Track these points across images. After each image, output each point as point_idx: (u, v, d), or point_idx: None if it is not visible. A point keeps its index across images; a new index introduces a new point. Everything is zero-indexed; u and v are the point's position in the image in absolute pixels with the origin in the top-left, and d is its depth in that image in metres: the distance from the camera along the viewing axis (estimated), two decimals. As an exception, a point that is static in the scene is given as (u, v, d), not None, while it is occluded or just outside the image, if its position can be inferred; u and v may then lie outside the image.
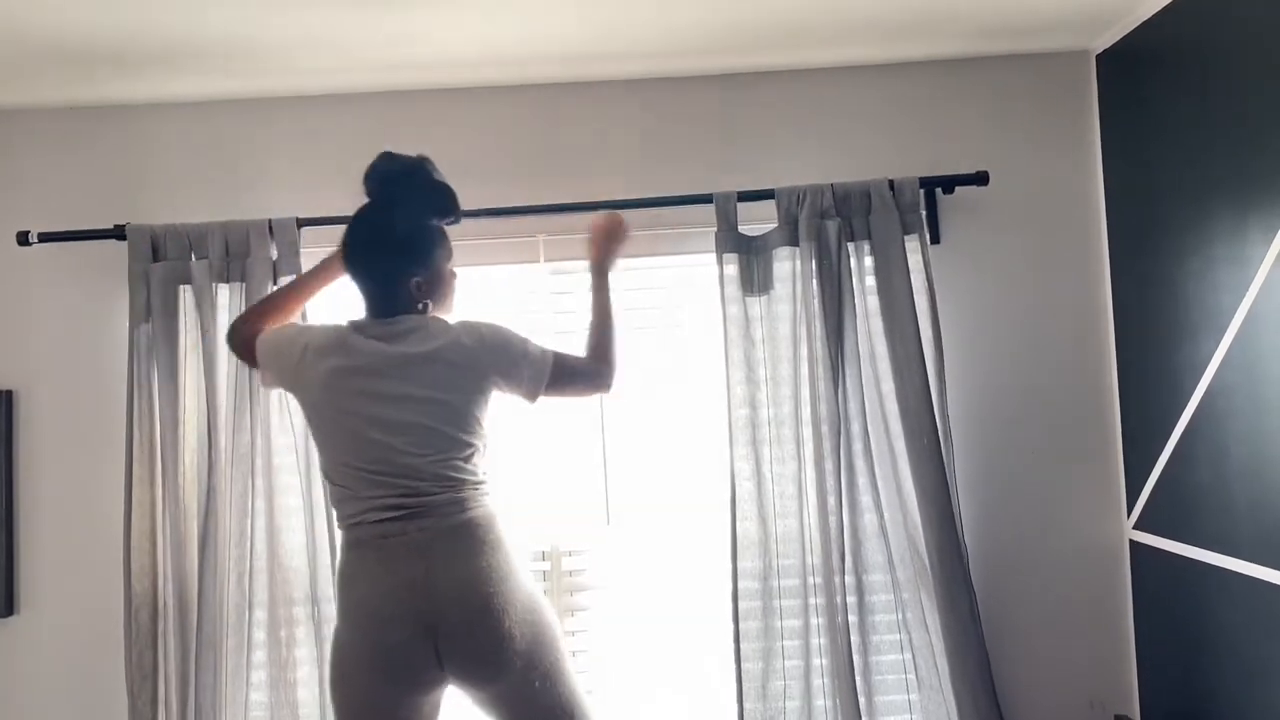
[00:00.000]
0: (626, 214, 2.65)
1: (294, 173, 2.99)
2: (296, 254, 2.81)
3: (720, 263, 2.81)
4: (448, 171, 2.95)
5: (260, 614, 2.78)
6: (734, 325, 2.80)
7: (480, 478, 2.27)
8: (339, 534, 2.28)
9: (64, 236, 2.85)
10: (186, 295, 2.83)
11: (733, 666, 2.76)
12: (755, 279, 2.83)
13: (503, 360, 2.30)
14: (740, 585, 2.77)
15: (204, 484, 2.78)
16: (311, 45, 2.68)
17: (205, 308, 2.79)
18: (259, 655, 2.78)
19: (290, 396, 2.61)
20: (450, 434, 2.22)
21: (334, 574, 2.25)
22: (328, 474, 2.30)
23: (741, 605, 2.76)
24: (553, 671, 2.22)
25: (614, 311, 2.51)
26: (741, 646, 2.75)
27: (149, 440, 2.78)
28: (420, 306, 2.30)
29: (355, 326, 2.28)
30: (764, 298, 2.83)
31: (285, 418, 2.79)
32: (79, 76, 2.81)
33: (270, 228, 2.82)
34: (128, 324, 2.81)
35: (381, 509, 2.18)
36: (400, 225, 2.30)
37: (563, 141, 3.01)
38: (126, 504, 2.75)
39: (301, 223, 2.83)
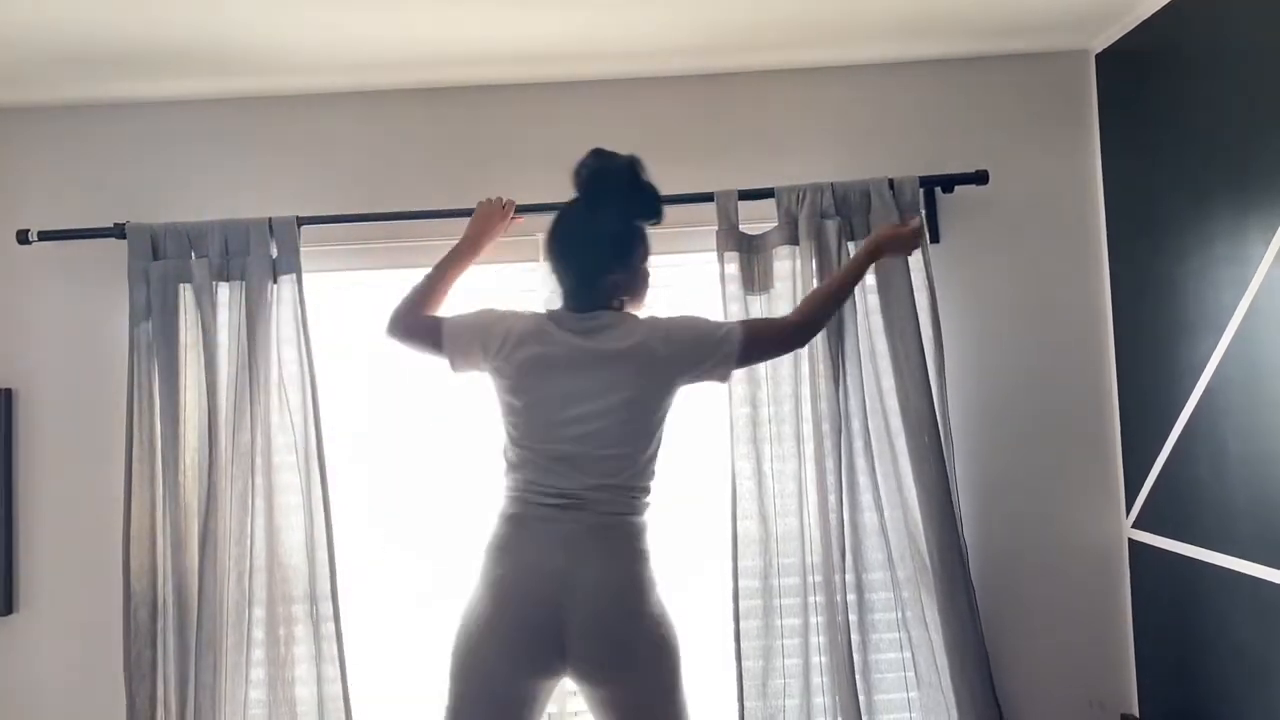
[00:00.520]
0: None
1: (294, 171, 2.99)
2: (296, 252, 2.81)
3: (721, 261, 2.81)
4: (445, 169, 2.99)
5: (259, 612, 2.78)
6: None
7: (648, 484, 2.33)
8: (500, 504, 2.33)
9: (64, 235, 2.85)
10: (186, 294, 2.82)
11: (733, 665, 2.75)
12: (756, 277, 2.83)
13: (694, 356, 2.35)
14: (740, 584, 2.76)
15: (204, 482, 2.78)
16: (311, 44, 2.69)
17: (205, 306, 2.79)
18: (258, 653, 2.78)
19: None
20: (633, 432, 2.29)
21: (486, 546, 2.30)
22: (506, 454, 2.34)
23: (742, 604, 2.76)
24: (669, 688, 2.26)
25: (846, 290, 2.59)
26: (741, 645, 2.75)
27: (149, 439, 2.78)
28: (616, 303, 2.36)
29: (553, 318, 2.35)
30: (764, 296, 2.83)
31: (285, 416, 2.79)
32: (79, 75, 2.81)
33: (270, 226, 2.81)
34: (127, 322, 2.81)
35: (546, 494, 2.25)
36: (609, 224, 2.36)
37: (561, 140, 2.99)
38: (126, 502, 2.75)
39: (301, 221, 2.83)
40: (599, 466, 2.25)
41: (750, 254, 2.83)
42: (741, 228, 2.83)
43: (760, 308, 2.82)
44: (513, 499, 2.29)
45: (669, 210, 2.84)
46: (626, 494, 2.28)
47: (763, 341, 2.46)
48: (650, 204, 2.40)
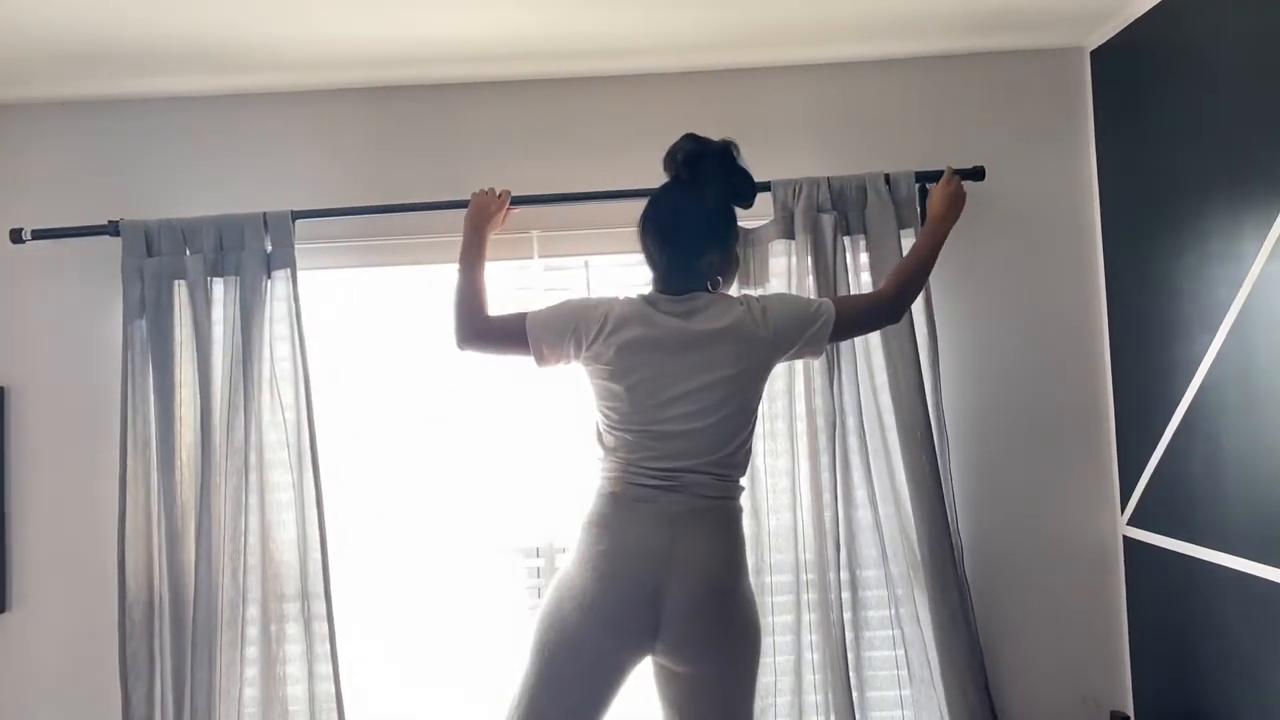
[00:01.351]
0: (621, 207, 2.66)
1: (288, 167, 2.99)
2: (291, 247, 2.81)
3: None
4: (440, 166, 2.98)
5: (253, 610, 2.78)
6: None
7: (743, 466, 2.37)
8: (598, 482, 2.35)
9: (58, 233, 2.84)
10: (181, 290, 2.82)
11: None
12: (752, 272, 2.83)
13: (791, 333, 2.38)
14: None
15: (198, 479, 2.78)
16: (306, 40, 2.68)
17: (199, 302, 2.79)
18: (252, 651, 2.78)
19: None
20: (731, 412, 2.32)
21: (585, 523, 2.32)
22: (603, 436, 2.36)
23: None
24: (746, 674, 2.34)
25: (933, 258, 2.60)
26: None
27: (143, 436, 2.78)
28: (710, 284, 2.39)
29: (650, 300, 2.37)
30: (759, 290, 2.83)
31: (278, 413, 2.79)
32: (72, 72, 2.80)
33: (265, 221, 2.81)
34: (121, 319, 2.81)
35: (646, 474, 2.27)
36: (707, 206, 2.39)
37: (556, 137, 3.01)
38: (121, 500, 2.75)
39: (296, 215, 2.83)
40: (699, 447, 2.28)
41: (747, 248, 2.83)
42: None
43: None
44: (612, 479, 2.31)
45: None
46: (724, 476, 2.32)
47: (856, 317, 2.51)
48: (746, 187, 2.45)
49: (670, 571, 2.22)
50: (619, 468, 2.31)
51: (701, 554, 2.25)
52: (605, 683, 2.28)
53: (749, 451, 2.39)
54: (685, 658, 2.26)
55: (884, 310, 2.54)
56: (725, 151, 2.41)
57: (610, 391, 2.33)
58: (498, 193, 2.74)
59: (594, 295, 2.45)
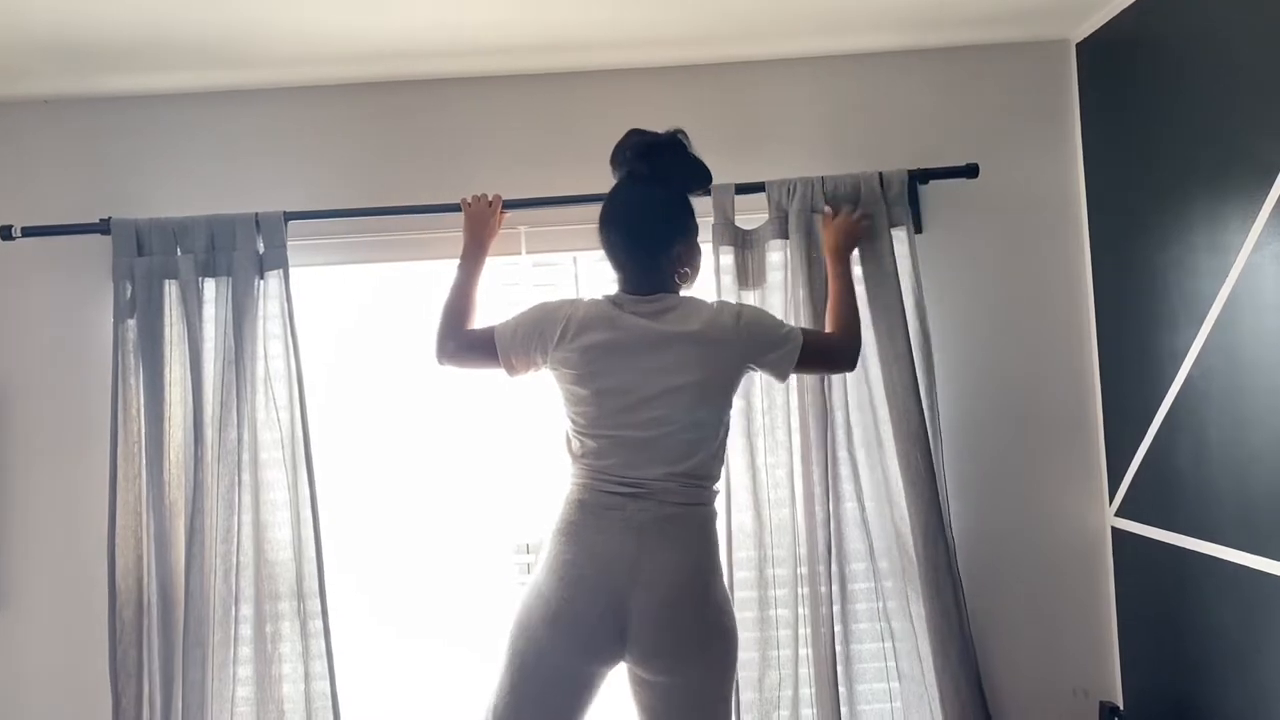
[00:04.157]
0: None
1: (281, 165, 2.98)
2: (283, 247, 2.80)
3: (716, 254, 2.81)
4: (430, 162, 2.98)
5: (246, 610, 2.77)
6: None
7: (715, 473, 2.33)
8: (567, 488, 2.32)
9: (47, 231, 2.82)
10: (172, 290, 2.81)
11: None
12: (751, 271, 2.84)
13: (761, 344, 2.36)
14: (736, 576, 2.77)
15: (190, 480, 2.77)
16: (297, 36, 2.68)
17: (191, 302, 2.78)
18: (245, 651, 2.77)
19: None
20: (700, 416, 2.29)
21: (556, 530, 2.30)
22: (571, 440, 2.34)
23: (738, 595, 2.76)
24: (720, 682, 2.29)
25: (852, 294, 2.63)
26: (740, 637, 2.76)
27: (134, 436, 2.77)
28: (678, 277, 2.37)
29: (617, 302, 2.33)
30: (758, 291, 2.84)
31: (272, 412, 2.78)
32: (63, 68, 2.79)
33: (257, 221, 2.81)
34: (112, 318, 2.80)
35: (613, 481, 2.24)
36: (668, 196, 2.38)
37: (546, 133, 3.02)
38: (111, 500, 2.74)
39: (289, 216, 2.82)
40: (667, 454, 2.25)
41: (745, 248, 2.84)
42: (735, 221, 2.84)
43: (755, 301, 2.82)
44: (581, 485, 2.29)
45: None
46: (694, 483, 2.28)
47: (822, 351, 2.52)
48: (703, 174, 2.43)
49: (637, 581, 2.19)
50: (587, 474, 2.28)
51: (669, 563, 2.21)
52: (577, 692, 2.26)
53: (721, 459, 2.36)
54: (656, 667, 2.23)
55: (839, 354, 2.56)
56: (677, 141, 2.39)
57: (577, 396, 2.30)
58: (489, 199, 2.72)
59: (559, 298, 2.41)
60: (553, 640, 2.21)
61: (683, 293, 2.39)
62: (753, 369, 2.40)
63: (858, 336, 2.58)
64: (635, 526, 2.21)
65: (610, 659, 2.25)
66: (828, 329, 2.59)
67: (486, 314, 2.53)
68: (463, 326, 2.49)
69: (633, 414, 2.25)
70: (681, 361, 2.26)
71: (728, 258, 2.82)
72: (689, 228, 2.40)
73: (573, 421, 2.33)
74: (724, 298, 2.79)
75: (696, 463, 2.27)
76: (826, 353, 2.54)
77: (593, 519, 2.24)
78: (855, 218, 2.73)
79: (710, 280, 2.81)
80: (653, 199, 2.36)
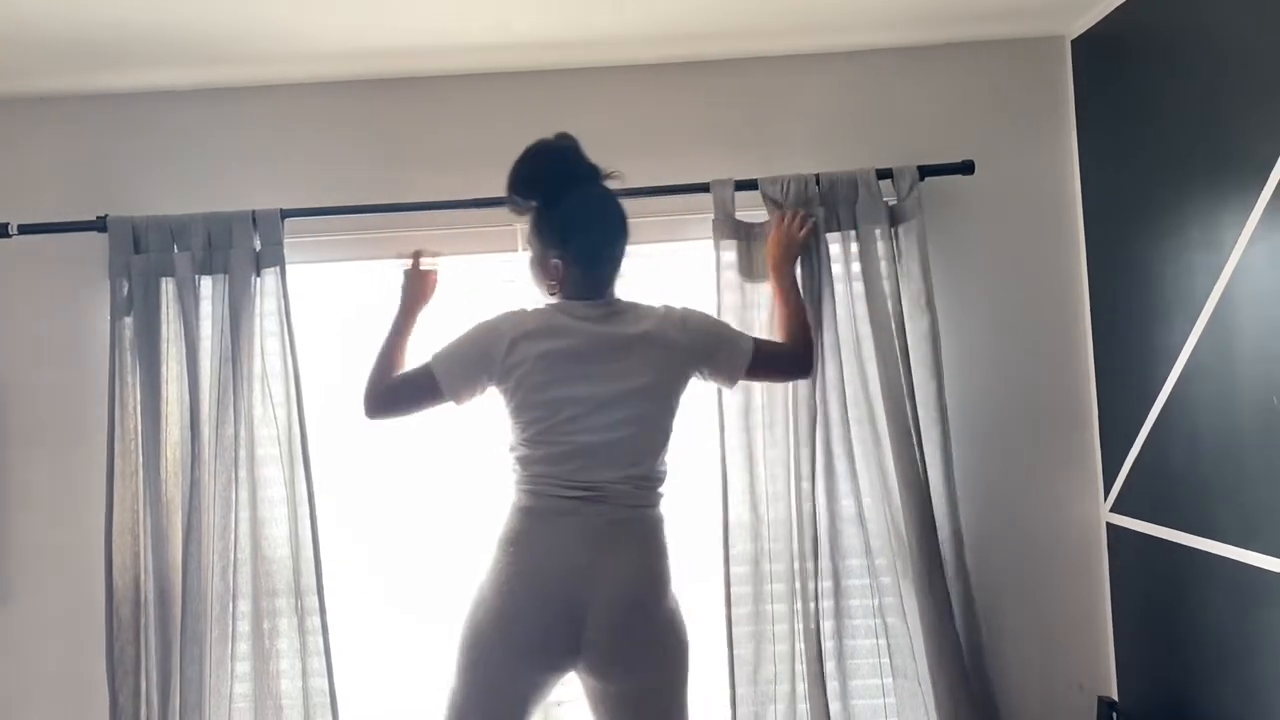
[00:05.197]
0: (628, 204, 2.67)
1: (278, 163, 2.98)
2: (280, 245, 2.80)
3: (717, 249, 2.82)
4: (425, 160, 2.99)
5: (244, 606, 2.77)
6: (730, 312, 2.80)
7: (663, 475, 2.32)
8: (514, 496, 2.30)
9: (44, 228, 2.82)
10: (168, 287, 2.81)
11: (725, 651, 2.77)
12: (754, 265, 2.84)
13: (710, 345, 2.37)
14: (733, 571, 2.78)
15: (187, 477, 2.77)
16: (294, 34, 2.68)
17: (188, 300, 2.78)
18: (243, 647, 2.78)
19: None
20: (651, 418, 2.29)
21: (502, 539, 2.27)
22: (519, 446, 2.29)
23: (735, 590, 2.78)
24: (677, 687, 2.28)
25: (801, 312, 2.62)
26: (734, 631, 2.78)
27: (131, 434, 2.78)
28: (617, 279, 2.36)
29: (563, 308, 2.31)
30: (762, 284, 2.83)
31: (269, 409, 2.79)
32: (59, 66, 2.79)
33: (254, 219, 2.81)
34: (109, 316, 2.80)
35: (568, 486, 2.22)
36: (601, 195, 2.36)
37: (545, 130, 2.98)
38: (108, 498, 2.75)
39: (286, 214, 2.83)
40: (621, 457, 2.24)
41: (748, 242, 2.83)
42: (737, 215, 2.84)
43: (757, 295, 2.83)
44: (531, 493, 2.26)
45: (665, 201, 2.87)
46: (646, 486, 2.28)
47: (774, 358, 2.52)
48: (599, 170, 2.38)
49: (593, 587, 2.18)
50: (538, 482, 2.25)
51: (626, 567, 2.21)
52: (529, 701, 2.25)
53: (667, 462, 2.34)
54: (612, 674, 2.22)
55: (796, 361, 2.55)
56: (576, 145, 2.37)
57: (530, 404, 2.26)
58: (425, 265, 2.63)
59: (498, 314, 2.35)
60: (505, 653, 2.20)
61: (550, 299, 2.36)
62: (702, 373, 2.38)
63: (810, 345, 2.58)
64: (590, 531, 2.20)
65: (563, 668, 2.24)
66: (781, 340, 2.59)
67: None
68: (389, 376, 2.43)
69: (590, 418, 2.24)
70: (634, 364, 2.27)
71: (729, 253, 2.82)
72: (628, 222, 2.38)
73: (522, 429, 2.29)
74: (723, 292, 2.81)
75: (650, 465, 2.28)
76: (777, 360, 2.54)
77: (544, 526, 2.23)
78: (797, 224, 2.69)
79: (710, 275, 2.82)
80: (609, 200, 2.36)
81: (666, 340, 2.30)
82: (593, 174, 2.36)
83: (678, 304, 2.40)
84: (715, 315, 2.50)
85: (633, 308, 2.34)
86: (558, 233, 2.33)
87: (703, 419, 2.87)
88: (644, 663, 2.23)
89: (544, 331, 2.28)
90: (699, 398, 2.78)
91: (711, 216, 2.83)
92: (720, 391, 2.76)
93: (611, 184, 2.38)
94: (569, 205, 2.33)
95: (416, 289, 2.60)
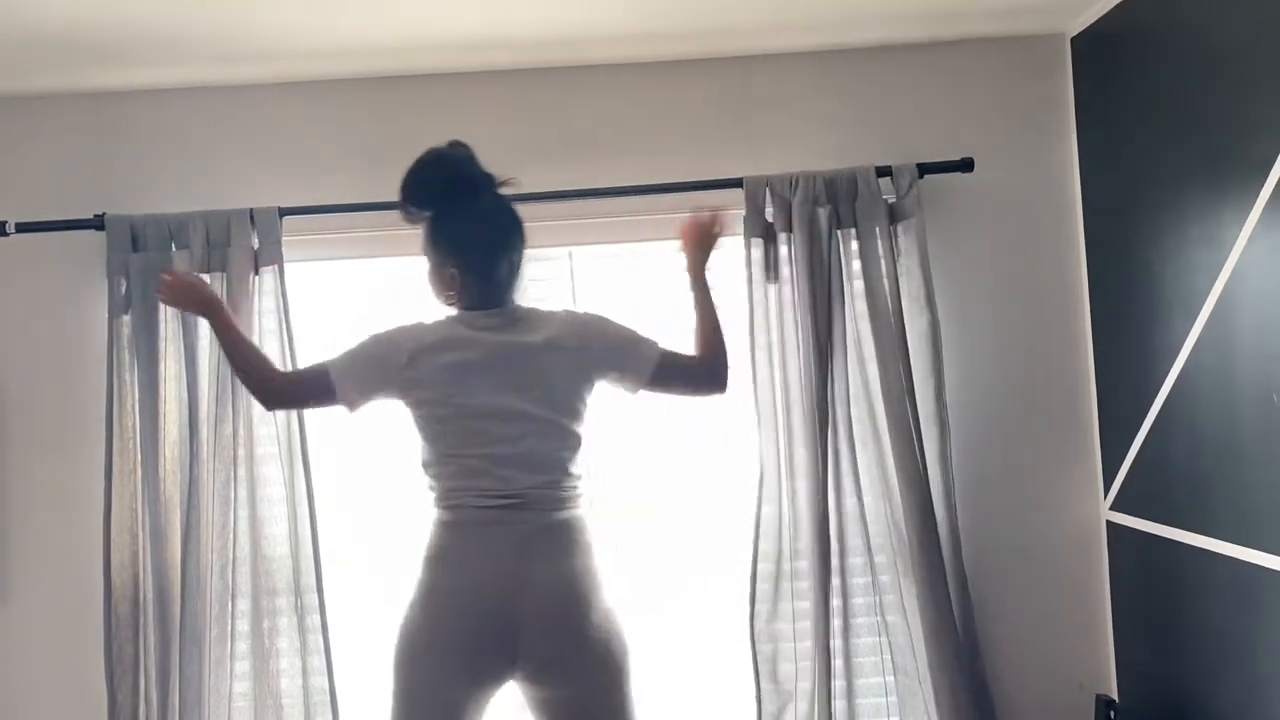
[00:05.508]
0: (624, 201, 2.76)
1: (276, 161, 2.98)
2: (278, 243, 2.80)
3: (748, 246, 2.82)
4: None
5: (243, 604, 2.78)
6: (759, 309, 2.81)
7: (580, 473, 2.30)
8: (434, 512, 2.27)
9: (42, 227, 2.82)
10: (167, 285, 2.82)
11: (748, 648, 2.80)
12: (772, 264, 2.84)
13: (611, 348, 2.33)
14: (760, 568, 2.79)
15: (186, 475, 2.77)
16: (294, 31, 2.67)
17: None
18: (242, 646, 2.79)
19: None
20: (562, 424, 2.26)
21: (425, 554, 2.26)
22: (430, 464, 2.28)
23: (759, 588, 2.79)
24: (618, 684, 2.24)
25: (718, 312, 2.50)
26: (756, 627, 2.79)
27: (130, 432, 2.78)
28: (515, 289, 2.34)
29: (464, 320, 2.30)
30: (776, 284, 2.84)
31: (268, 408, 2.79)
32: (56, 65, 2.78)
33: (252, 217, 2.81)
34: (106, 314, 2.80)
35: (488, 496, 2.20)
36: (494, 203, 2.33)
37: (543, 128, 3.01)
38: (106, 496, 2.75)
39: (284, 212, 2.83)
40: (535, 464, 2.22)
41: (770, 242, 2.84)
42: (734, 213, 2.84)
43: (774, 295, 2.83)
44: (453, 507, 2.24)
45: (672, 198, 2.87)
46: (565, 490, 2.26)
47: (678, 368, 2.40)
48: (494, 179, 2.35)
49: (525, 595, 2.15)
50: (459, 495, 2.22)
51: (558, 573, 2.19)
52: (470, 715, 2.22)
53: (583, 463, 2.32)
54: (550, 681, 2.20)
55: (703, 373, 2.43)
56: (467, 152, 2.34)
57: (436, 417, 2.25)
58: (183, 276, 2.59)
59: (396, 326, 2.32)
60: (440, 671, 2.18)
61: (449, 311, 2.35)
62: (607, 377, 2.34)
63: (723, 357, 2.45)
64: (515, 539, 2.19)
65: (500, 678, 2.21)
66: (693, 351, 2.46)
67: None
68: (271, 373, 2.44)
69: (499, 429, 2.21)
70: (537, 372, 2.25)
71: (758, 251, 2.83)
72: (524, 225, 2.36)
73: (434, 445, 2.27)
74: (753, 288, 2.81)
75: (565, 470, 2.26)
76: (687, 371, 2.42)
77: (468, 539, 2.21)
78: (708, 222, 2.60)
79: (741, 273, 2.82)
80: (503, 208, 2.33)
81: (568, 346, 2.28)
82: (487, 182, 2.33)
83: (580, 308, 2.38)
84: (615, 319, 2.40)
85: (533, 315, 2.32)
86: (451, 244, 2.31)
87: (702, 419, 2.89)
88: (583, 667, 2.19)
89: (443, 344, 2.26)
90: (694, 398, 2.79)
91: (742, 213, 2.83)
92: (755, 389, 2.78)
93: (506, 190, 2.36)
94: (462, 216, 2.31)
95: (190, 290, 2.52)
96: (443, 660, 2.17)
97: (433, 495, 2.28)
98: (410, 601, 2.23)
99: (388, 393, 2.30)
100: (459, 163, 2.32)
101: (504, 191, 2.35)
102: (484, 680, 2.20)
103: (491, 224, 2.32)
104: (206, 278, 2.80)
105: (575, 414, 2.29)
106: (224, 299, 2.76)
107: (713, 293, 2.52)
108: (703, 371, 2.43)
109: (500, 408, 2.22)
